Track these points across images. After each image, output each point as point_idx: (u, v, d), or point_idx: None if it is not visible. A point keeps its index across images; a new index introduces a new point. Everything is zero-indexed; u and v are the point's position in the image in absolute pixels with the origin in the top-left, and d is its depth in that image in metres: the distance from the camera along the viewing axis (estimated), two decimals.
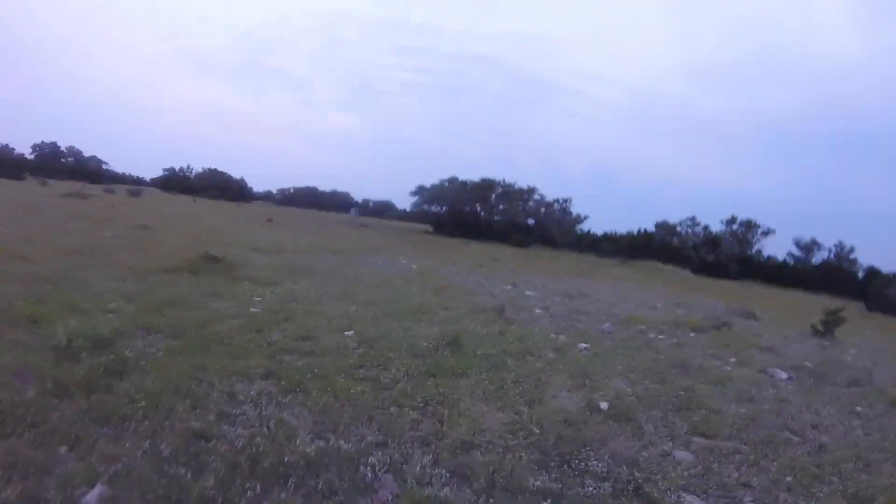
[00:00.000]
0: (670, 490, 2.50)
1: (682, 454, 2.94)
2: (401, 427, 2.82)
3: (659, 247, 29.58)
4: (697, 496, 2.50)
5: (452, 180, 32.71)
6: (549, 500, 2.31)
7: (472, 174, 33.94)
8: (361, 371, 3.69)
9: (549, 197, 32.55)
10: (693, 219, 31.40)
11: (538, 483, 2.43)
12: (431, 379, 3.64)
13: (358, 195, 60.94)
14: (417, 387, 3.45)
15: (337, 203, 54.95)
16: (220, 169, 49.01)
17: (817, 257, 30.58)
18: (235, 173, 49.94)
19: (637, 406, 3.63)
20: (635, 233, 31.97)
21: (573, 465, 2.65)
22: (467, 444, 2.71)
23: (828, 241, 29.41)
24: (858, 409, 4.24)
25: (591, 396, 3.70)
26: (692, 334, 6.55)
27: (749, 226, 29.93)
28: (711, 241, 29.08)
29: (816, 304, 11.21)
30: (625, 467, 2.68)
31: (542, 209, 32.13)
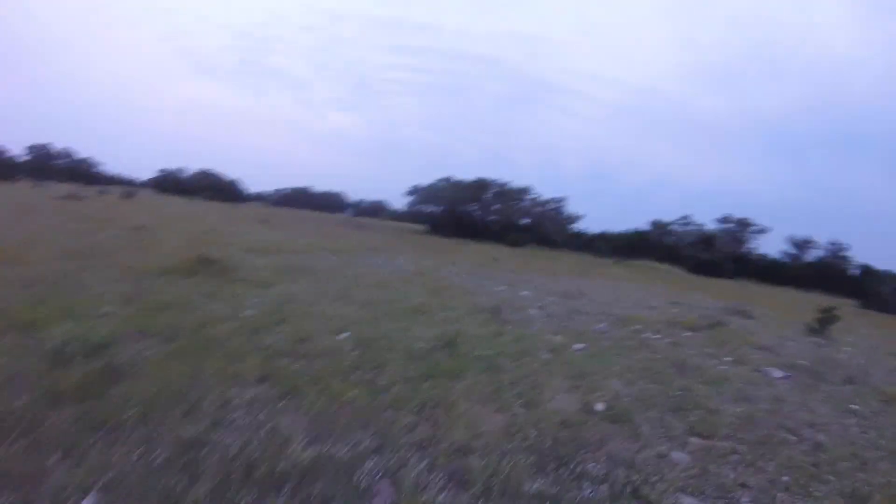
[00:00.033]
0: (668, 492, 2.51)
1: (679, 455, 2.95)
2: (396, 431, 2.80)
3: (654, 246, 29.72)
4: (695, 497, 2.51)
5: (447, 180, 32.77)
6: None
7: (470, 174, 34.09)
8: (357, 374, 3.67)
9: (545, 196, 32.69)
10: (687, 217, 31.61)
11: (535, 487, 2.42)
12: (427, 381, 3.63)
13: (351, 195, 61.04)
14: (413, 390, 3.43)
15: (330, 203, 54.94)
16: (214, 170, 49.05)
17: (811, 255, 30.87)
18: (232, 174, 50.04)
19: (633, 407, 3.63)
20: (631, 232, 32.12)
21: (570, 468, 2.65)
22: (464, 448, 2.69)
23: (822, 238, 29.73)
24: (854, 407, 4.27)
25: (587, 397, 3.70)
26: (688, 333, 6.57)
27: (743, 224, 30.14)
28: (706, 239, 29.24)
29: (811, 302, 11.29)
30: (622, 469, 2.68)
31: (537, 209, 32.22)
